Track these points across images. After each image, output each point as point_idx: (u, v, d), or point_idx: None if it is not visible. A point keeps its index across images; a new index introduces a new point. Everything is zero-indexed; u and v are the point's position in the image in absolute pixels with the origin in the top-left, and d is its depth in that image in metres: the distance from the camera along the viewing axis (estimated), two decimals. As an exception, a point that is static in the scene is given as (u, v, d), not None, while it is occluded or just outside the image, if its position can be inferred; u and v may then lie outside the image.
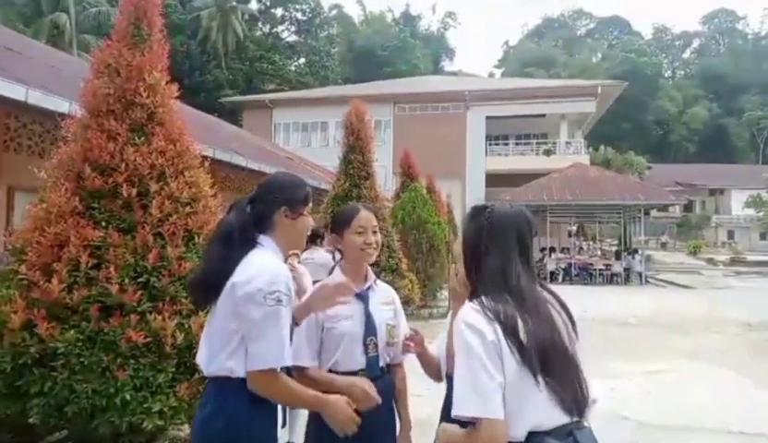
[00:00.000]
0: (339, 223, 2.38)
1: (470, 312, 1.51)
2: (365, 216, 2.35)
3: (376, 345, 2.28)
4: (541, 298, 1.57)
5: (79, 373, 3.07)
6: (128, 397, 3.09)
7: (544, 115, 32.91)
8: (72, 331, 3.11)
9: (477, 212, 1.68)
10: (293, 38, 53.93)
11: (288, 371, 1.92)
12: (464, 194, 28.44)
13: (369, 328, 2.28)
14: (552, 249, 23.18)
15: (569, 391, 1.46)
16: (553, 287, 1.72)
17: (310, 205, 2.09)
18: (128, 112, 3.72)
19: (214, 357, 1.86)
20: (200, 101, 32.53)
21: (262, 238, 1.97)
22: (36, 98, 5.77)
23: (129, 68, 3.79)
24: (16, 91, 5.62)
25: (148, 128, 3.77)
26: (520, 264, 1.58)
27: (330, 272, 2.45)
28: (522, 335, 1.44)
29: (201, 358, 1.93)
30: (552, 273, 21.30)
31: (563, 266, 22.22)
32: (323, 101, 31.58)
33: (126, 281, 3.30)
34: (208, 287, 1.90)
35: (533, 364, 1.42)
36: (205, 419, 1.87)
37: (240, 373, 1.82)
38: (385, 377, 2.32)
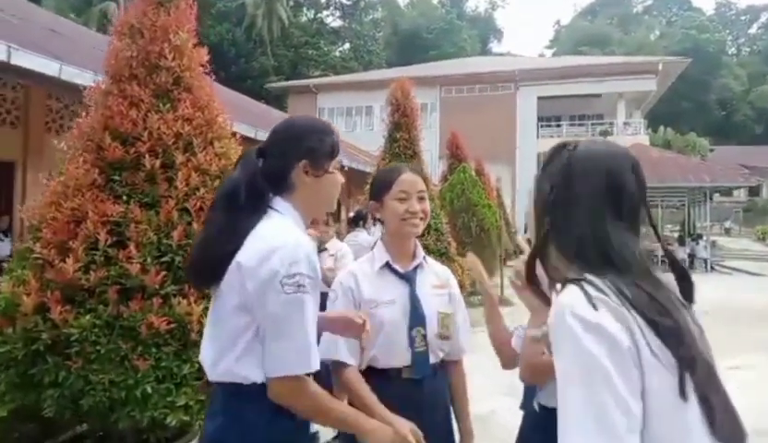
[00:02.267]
0: (378, 188, 1.94)
1: (581, 300, 0.94)
2: (408, 179, 1.90)
3: (424, 338, 1.83)
4: (664, 284, 1.04)
5: (96, 362, 2.76)
6: (150, 389, 2.77)
7: (599, 95, 31.56)
8: (87, 316, 2.79)
9: (559, 149, 1.16)
10: (337, 23, 53.72)
11: (324, 366, 1.50)
12: (515, 178, 27.65)
13: (416, 316, 1.84)
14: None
15: (725, 419, 0.94)
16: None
17: (339, 158, 1.61)
18: (152, 76, 3.36)
19: (220, 359, 1.45)
20: (247, 87, 32.72)
21: (277, 202, 1.52)
22: (70, 74, 5.60)
23: (153, 29, 3.43)
24: (49, 67, 5.48)
25: (173, 94, 3.40)
26: (617, 226, 1.03)
27: (372, 249, 2.03)
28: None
29: (205, 358, 1.51)
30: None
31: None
32: (367, 85, 31.21)
33: (149, 260, 2.95)
34: (210, 266, 1.47)
35: (683, 375, 0.90)
36: (217, 430, 1.48)
37: (255, 378, 1.41)
38: (438, 377, 1.87)
